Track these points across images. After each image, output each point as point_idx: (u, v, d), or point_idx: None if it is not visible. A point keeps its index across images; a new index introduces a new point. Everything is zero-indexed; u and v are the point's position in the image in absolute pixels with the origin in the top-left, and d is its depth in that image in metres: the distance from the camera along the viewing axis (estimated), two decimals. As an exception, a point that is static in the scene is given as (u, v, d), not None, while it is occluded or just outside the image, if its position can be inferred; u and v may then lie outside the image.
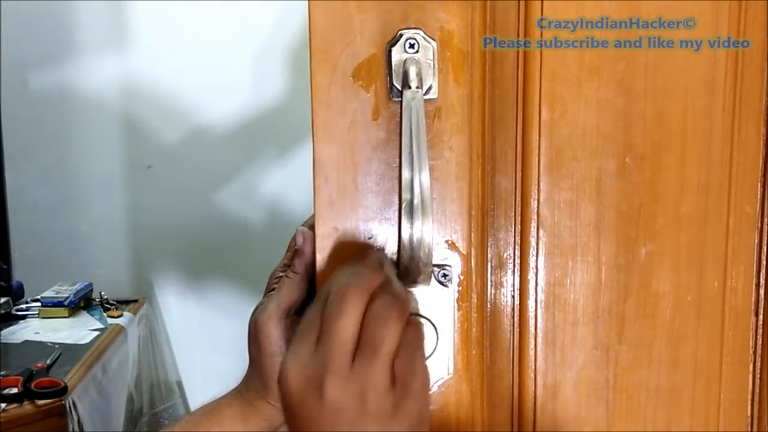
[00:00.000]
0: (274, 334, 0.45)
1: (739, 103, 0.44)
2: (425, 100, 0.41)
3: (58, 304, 1.71)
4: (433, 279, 0.43)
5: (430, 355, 0.43)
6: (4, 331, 1.61)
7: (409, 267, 0.40)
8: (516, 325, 0.45)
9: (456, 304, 0.43)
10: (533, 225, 0.45)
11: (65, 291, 1.75)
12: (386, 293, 0.37)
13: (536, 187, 0.44)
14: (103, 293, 1.83)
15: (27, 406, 1.26)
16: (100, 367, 1.50)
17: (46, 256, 1.96)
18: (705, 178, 0.45)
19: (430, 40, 0.42)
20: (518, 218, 0.45)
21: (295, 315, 0.46)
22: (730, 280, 0.46)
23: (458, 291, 0.43)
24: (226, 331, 2.02)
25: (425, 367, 0.38)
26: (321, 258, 0.43)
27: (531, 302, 0.45)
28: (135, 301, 1.90)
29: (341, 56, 0.42)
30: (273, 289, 0.47)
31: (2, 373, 1.34)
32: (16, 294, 1.77)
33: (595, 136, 0.44)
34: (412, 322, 0.38)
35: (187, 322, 2.06)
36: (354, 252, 0.43)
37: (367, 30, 0.42)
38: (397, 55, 0.41)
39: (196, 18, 1.94)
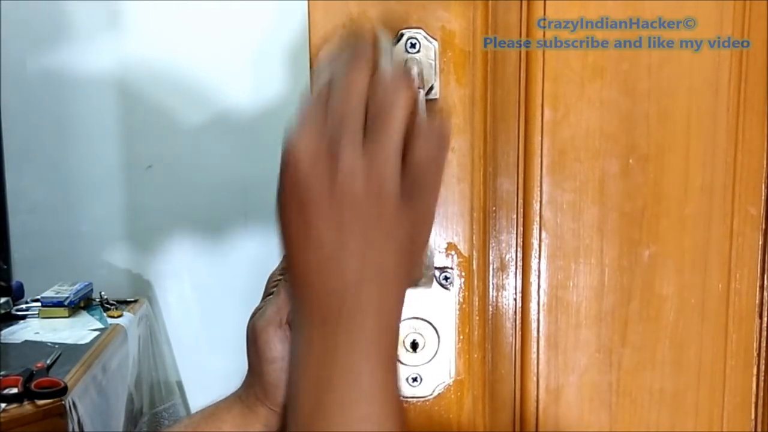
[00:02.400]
0: (273, 339, 0.45)
1: (743, 103, 0.44)
2: (427, 101, 0.41)
3: (58, 304, 1.70)
4: (434, 281, 0.42)
5: (431, 359, 0.43)
6: (4, 331, 1.60)
7: (410, 269, 0.40)
8: (518, 328, 0.45)
9: (457, 307, 0.43)
10: (535, 227, 0.44)
11: (65, 291, 1.74)
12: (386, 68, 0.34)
13: (538, 189, 0.44)
14: (103, 293, 1.83)
15: (27, 406, 1.26)
16: (100, 367, 1.49)
17: (46, 256, 1.96)
18: (709, 180, 0.44)
19: (431, 39, 0.41)
20: (520, 220, 0.44)
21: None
22: (734, 282, 0.45)
23: (460, 294, 0.43)
24: (226, 331, 2.02)
25: (441, 165, 0.35)
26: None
27: (533, 305, 0.45)
28: (135, 301, 1.90)
29: (341, 56, 0.41)
30: (271, 293, 0.47)
31: (2, 373, 1.33)
32: (16, 294, 1.77)
33: (598, 137, 0.43)
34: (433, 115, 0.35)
35: (187, 322, 2.05)
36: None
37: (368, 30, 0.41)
38: (399, 55, 0.41)
39: (195, 18, 1.94)
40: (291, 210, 0.34)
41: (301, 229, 0.34)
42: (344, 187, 0.32)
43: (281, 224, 0.34)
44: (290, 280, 0.36)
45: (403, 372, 0.43)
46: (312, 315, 0.35)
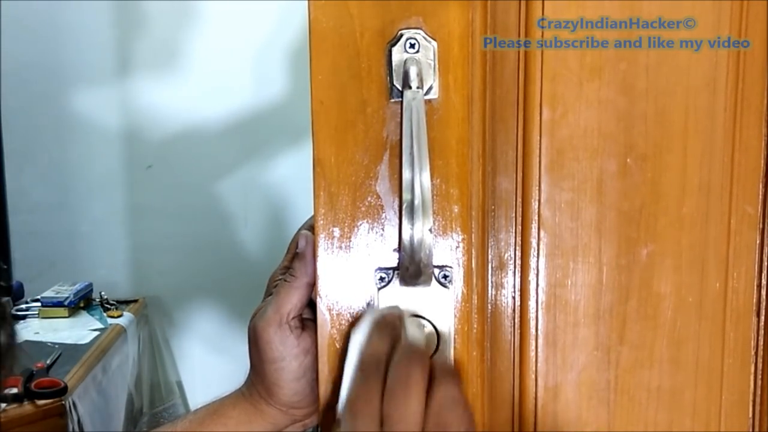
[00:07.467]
0: (274, 339, 0.45)
1: (740, 103, 0.44)
2: (426, 101, 0.41)
3: (58, 304, 1.71)
4: (433, 280, 0.42)
5: (430, 357, 0.43)
6: (4, 331, 1.60)
7: (410, 268, 0.40)
8: (517, 326, 0.45)
9: (457, 305, 0.43)
10: (534, 226, 0.44)
11: (65, 291, 1.75)
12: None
13: (537, 188, 0.44)
14: (103, 293, 1.83)
15: (27, 406, 1.26)
16: (100, 367, 1.50)
17: (46, 256, 1.96)
18: (706, 179, 0.44)
19: (430, 39, 0.41)
20: (519, 219, 0.45)
21: (294, 319, 0.46)
22: (732, 280, 0.46)
23: (459, 292, 0.43)
24: (226, 331, 2.02)
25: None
26: (321, 261, 0.43)
27: (532, 303, 0.45)
28: (135, 301, 1.90)
29: (341, 56, 0.42)
30: (272, 293, 0.47)
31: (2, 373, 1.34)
32: (16, 294, 1.77)
33: (596, 137, 0.44)
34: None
35: (187, 322, 2.06)
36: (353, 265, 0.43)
37: (368, 30, 0.41)
38: (398, 55, 0.41)
39: (196, 18, 1.94)
40: None
41: None
42: None
43: None
44: None
45: (403, 370, 0.43)
46: None
